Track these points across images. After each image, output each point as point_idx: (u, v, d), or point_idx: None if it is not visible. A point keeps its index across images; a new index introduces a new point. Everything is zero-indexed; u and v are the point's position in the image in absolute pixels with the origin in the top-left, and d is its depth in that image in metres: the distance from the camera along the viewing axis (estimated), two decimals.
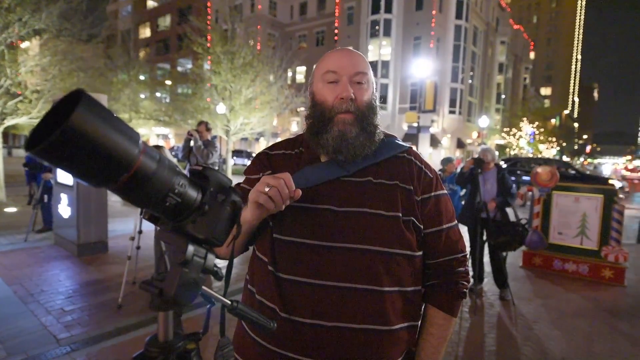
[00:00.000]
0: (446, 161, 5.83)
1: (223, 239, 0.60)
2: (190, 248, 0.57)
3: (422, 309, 1.05)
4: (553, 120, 53.13)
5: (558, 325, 3.64)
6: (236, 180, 1.05)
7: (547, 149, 48.31)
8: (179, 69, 35.90)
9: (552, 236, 5.43)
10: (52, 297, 3.70)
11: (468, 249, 4.43)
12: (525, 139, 40.03)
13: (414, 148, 1.10)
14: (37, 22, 8.56)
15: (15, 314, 3.33)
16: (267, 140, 36.58)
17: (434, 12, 30.95)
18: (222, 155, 5.36)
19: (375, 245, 0.92)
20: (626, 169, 37.38)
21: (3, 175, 9.07)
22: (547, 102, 72.95)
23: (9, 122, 9.15)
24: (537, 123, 40.93)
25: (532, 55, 63.75)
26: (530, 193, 5.72)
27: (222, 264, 0.70)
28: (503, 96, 45.15)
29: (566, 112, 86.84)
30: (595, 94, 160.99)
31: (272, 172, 1.04)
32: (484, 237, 4.33)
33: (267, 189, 0.80)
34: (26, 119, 9.41)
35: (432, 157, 29.10)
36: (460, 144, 34.63)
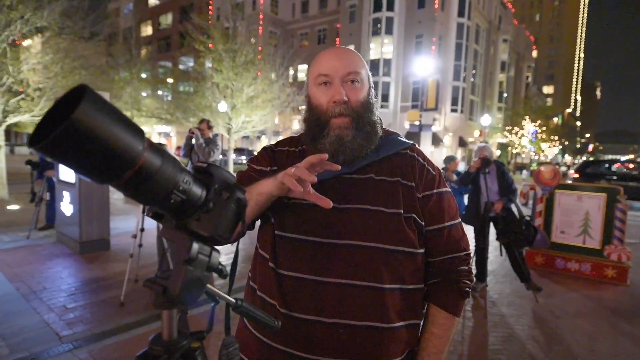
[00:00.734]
0: (449, 159, 5.82)
1: (228, 237, 0.60)
2: (195, 246, 0.56)
3: (425, 308, 1.04)
4: (555, 119, 53.00)
5: (560, 324, 3.63)
6: None
7: (549, 147, 48.18)
8: (181, 66, 35.91)
9: (555, 235, 5.41)
10: (54, 294, 3.71)
11: (473, 248, 4.46)
12: (527, 138, 39.91)
13: (417, 146, 1.09)
14: (39, 20, 8.57)
15: (18, 311, 3.34)
16: (269, 138, 36.60)
17: (436, 10, 30.85)
18: (225, 153, 5.37)
19: (375, 242, 0.91)
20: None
21: (5, 173, 9.10)
22: (549, 101, 72.72)
23: (11, 119, 9.17)
24: (539, 122, 40.78)
25: (534, 53, 63.51)
26: (532, 192, 5.69)
27: (226, 262, 0.69)
28: (505, 94, 45.03)
29: (568, 110, 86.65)
30: (598, 93, 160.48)
31: (277, 168, 1.04)
32: (490, 237, 4.33)
33: (293, 170, 0.78)
34: (28, 117, 9.42)
35: (434, 155, 29.05)
36: (462, 143, 34.57)
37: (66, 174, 5.26)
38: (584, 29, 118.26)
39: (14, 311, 3.33)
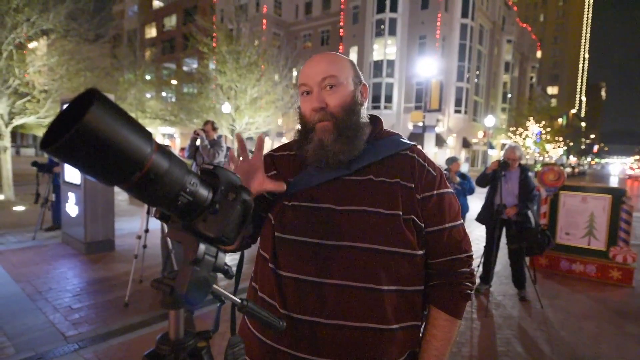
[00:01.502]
0: (450, 160, 5.81)
1: (234, 238, 0.61)
2: (202, 247, 0.57)
3: (426, 310, 1.03)
4: (560, 120, 52.71)
5: (565, 326, 3.61)
6: None
7: (553, 148, 47.94)
8: (185, 68, 36.08)
9: (559, 236, 5.39)
10: (59, 294, 3.74)
11: (482, 249, 4.44)
12: (531, 139, 39.74)
13: (419, 147, 1.09)
14: (44, 23, 8.64)
15: (24, 311, 3.37)
16: (272, 140, 36.65)
17: (439, 11, 30.81)
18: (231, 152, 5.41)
19: (374, 244, 0.91)
20: (631, 168, 37.33)
21: (11, 174, 9.17)
22: (553, 101, 72.40)
23: (17, 121, 9.25)
24: (543, 122, 40.61)
25: (538, 54, 63.27)
26: (537, 193, 5.67)
27: (231, 263, 0.70)
28: (509, 95, 44.86)
29: (573, 111, 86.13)
30: (603, 93, 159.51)
31: (277, 172, 1.05)
32: (501, 239, 4.31)
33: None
34: (34, 119, 9.51)
35: (438, 156, 28.98)
36: (465, 144, 34.48)
37: (71, 175, 5.30)
38: (589, 29, 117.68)
39: (20, 311, 3.36)
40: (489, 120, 28.19)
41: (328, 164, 0.96)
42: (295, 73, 20.21)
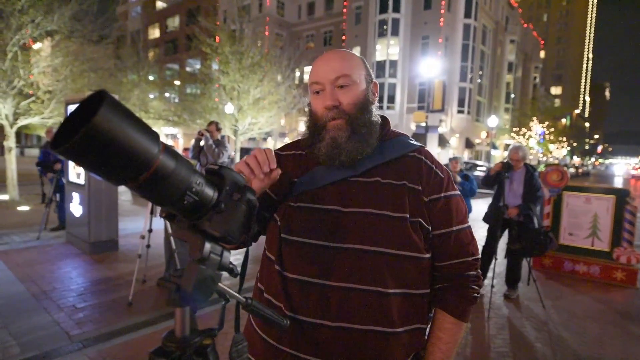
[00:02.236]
0: (450, 160, 5.84)
1: (238, 237, 0.61)
2: (207, 245, 0.58)
3: (432, 312, 1.03)
4: (563, 120, 52.47)
5: (568, 327, 3.60)
6: None
7: (557, 149, 47.73)
8: (188, 69, 36.18)
9: (563, 237, 5.37)
10: (64, 294, 3.76)
11: (481, 248, 4.44)
12: (535, 139, 39.58)
13: (426, 148, 1.08)
14: (49, 24, 8.69)
15: (29, 310, 3.39)
16: (275, 140, 36.68)
17: (442, 11, 30.74)
18: (231, 155, 5.42)
19: (380, 247, 0.91)
20: (635, 168, 37.21)
21: (16, 175, 9.23)
22: (557, 102, 72.04)
23: (22, 122, 9.31)
24: (547, 123, 40.43)
25: (542, 54, 63.01)
26: (541, 194, 5.65)
27: (236, 261, 0.71)
28: (512, 95, 44.70)
29: (577, 111, 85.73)
30: (607, 93, 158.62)
31: (283, 171, 1.05)
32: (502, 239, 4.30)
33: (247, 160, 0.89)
34: (38, 119, 9.56)
35: (440, 156, 28.92)
36: (468, 144, 34.38)
37: (75, 175, 5.33)
38: (593, 29, 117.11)
39: (25, 310, 3.39)
40: (492, 121, 28.10)
41: (341, 162, 0.95)
42: (298, 74, 20.22)
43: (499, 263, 5.53)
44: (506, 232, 4.36)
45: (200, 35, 16.29)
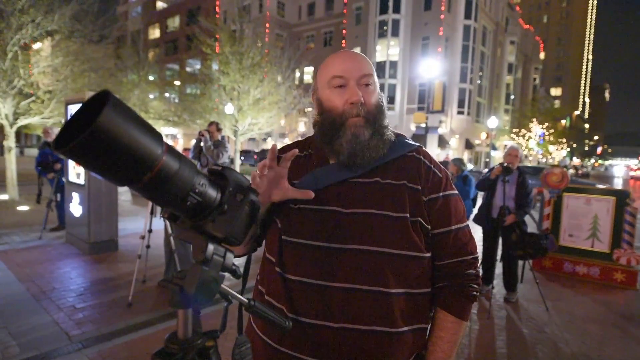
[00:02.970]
0: (457, 161, 5.84)
1: (242, 238, 0.61)
2: (210, 247, 0.58)
3: (432, 312, 1.04)
4: (563, 121, 52.49)
5: (568, 328, 3.60)
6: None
7: (557, 150, 47.76)
8: (188, 69, 36.17)
9: (563, 238, 5.37)
10: (63, 294, 3.76)
11: (480, 250, 4.44)
12: (534, 140, 39.62)
13: (424, 148, 1.09)
14: (49, 24, 8.69)
15: (28, 310, 3.39)
16: (275, 141, 36.68)
17: (442, 12, 30.78)
18: (231, 155, 5.41)
19: (381, 247, 0.91)
20: (632, 169, 37.39)
21: (16, 174, 9.22)
22: (557, 103, 72.09)
23: (22, 121, 9.30)
24: (547, 124, 40.47)
25: (542, 55, 63.05)
26: (540, 195, 5.65)
27: (238, 262, 0.71)
28: (512, 97, 44.74)
29: (577, 112, 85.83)
30: (607, 95, 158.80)
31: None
32: (500, 242, 4.30)
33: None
34: (38, 119, 9.56)
35: (440, 158, 28.92)
36: (468, 145, 34.40)
37: (75, 175, 5.33)
38: (592, 30, 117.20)
39: (25, 311, 3.38)
40: (492, 122, 28.13)
41: (364, 158, 0.96)
42: (298, 74, 20.23)
43: (498, 264, 5.53)
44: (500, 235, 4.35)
45: (200, 36, 16.29)
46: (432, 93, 15.72)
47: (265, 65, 16.02)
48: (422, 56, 29.03)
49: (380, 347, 0.91)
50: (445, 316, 1.00)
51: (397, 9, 31.48)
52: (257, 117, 16.09)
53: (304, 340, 0.91)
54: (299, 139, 1.15)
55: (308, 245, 0.93)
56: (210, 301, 0.58)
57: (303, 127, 37.80)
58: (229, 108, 16.11)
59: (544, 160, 47.54)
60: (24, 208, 8.22)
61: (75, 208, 5.27)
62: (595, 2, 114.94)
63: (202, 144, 5.02)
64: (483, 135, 34.31)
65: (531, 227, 4.38)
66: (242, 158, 28.94)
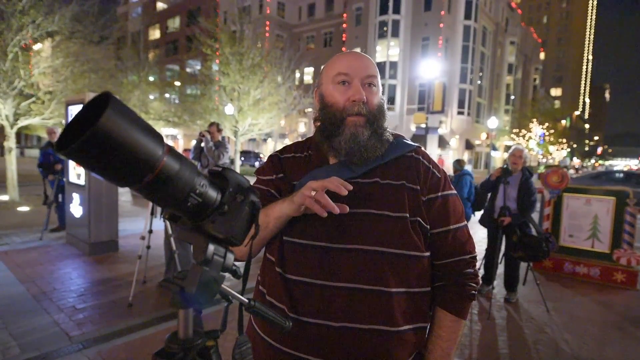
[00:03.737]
0: (457, 162, 5.86)
1: (242, 239, 0.62)
2: (211, 247, 0.58)
3: (432, 311, 1.04)
4: (563, 122, 52.51)
5: (569, 329, 3.60)
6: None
7: (557, 150, 47.77)
8: (188, 70, 36.19)
9: (563, 239, 5.37)
10: (64, 295, 3.76)
11: (483, 251, 4.44)
12: (534, 140, 39.65)
13: (422, 148, 1.10)
14: (50, 25, 8.71)
15: (29, 311, 3.39)
16: (275, 141, 36.71)
17: (442, 12, 30.81)
18: (231, 156, 5.41)
19: (381, 246, 0.92)
20: (630, 169, 37.58)
21: (16, 175, 9.23)
22: (557, 103, 72.09)
23: (22, 122, 9.31)
24: (547, 124, 40.52)
25: (542, 55, 63.11)
26: (540, 195, 5.65)
27: (239, 262, 0.71)
28: (512, 97, 44.76)
29: (577, 113, 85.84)
30: (607, 95, 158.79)
31: (284, 174, 1.05)
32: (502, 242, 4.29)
33: (313, 193, 0.84)
34: (39, 120, 9.57)
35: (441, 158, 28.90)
36: (468, 145, 34.42)
37: (75, 176, 5.33)
38: (593, 30, 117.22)
39: (25, 311, 3.38)
40: (492, 122, 28.15)
41: (361, 158, 0.97)
42: (298, 75, 20.24)
43: (500, 265, 5.53)
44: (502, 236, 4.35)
45: (200, 37, 16.31)
46: (432, 93, 15.73)
47: (265, 65, 16.04)
48: (422, 57, 29.05)
49: (381, 346, 0.91)
50: (444, 315, 1.01)
51: (397, 10, 31.52)
52: (257, 118, 16.10)
53: (305, 339, 0.92)
54: (299, 139, 1.15)
55: (309, 246, 0.94)
56: (211, 301, 0.59)
57: (303, 128, 37.82)
58: (229, 109, 16.12)
59: (544, 160, 47.53)
60: (24, 209, 8.23)
61: (76, 209, 5.27)
62: (595, 2, 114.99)
63: (202, 144, 5.03)
64: (483, 136, 34.34)
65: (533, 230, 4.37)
66: (243, 159, 28.93)
